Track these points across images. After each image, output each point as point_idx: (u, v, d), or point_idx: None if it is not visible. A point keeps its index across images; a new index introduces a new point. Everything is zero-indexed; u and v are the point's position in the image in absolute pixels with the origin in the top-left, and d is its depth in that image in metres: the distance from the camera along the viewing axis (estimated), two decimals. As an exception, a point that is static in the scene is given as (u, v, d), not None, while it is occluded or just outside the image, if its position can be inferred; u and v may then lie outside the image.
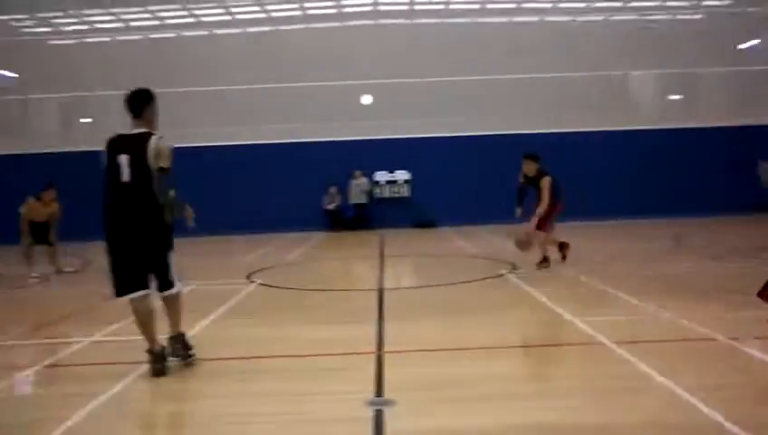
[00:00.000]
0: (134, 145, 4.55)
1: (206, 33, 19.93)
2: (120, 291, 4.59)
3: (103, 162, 4.64)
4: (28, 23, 19.86)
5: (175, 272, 4.71)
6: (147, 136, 4.58)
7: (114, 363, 5.03)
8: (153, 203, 4.52)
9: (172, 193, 4.61)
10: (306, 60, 18.46)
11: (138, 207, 4.53)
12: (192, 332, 5.75)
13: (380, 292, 7.80)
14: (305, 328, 5.98)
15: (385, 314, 6.40)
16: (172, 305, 4.74)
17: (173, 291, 4.70)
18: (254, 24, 19.42)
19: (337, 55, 18.55)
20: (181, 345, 4.75)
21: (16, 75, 21.34)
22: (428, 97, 18.43)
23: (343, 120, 18.57)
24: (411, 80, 18.30)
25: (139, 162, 4.50)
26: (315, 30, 19.53)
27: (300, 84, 18.37)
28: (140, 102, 4.74)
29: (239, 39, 19.41)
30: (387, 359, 4.73)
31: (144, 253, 4.57)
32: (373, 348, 5.08)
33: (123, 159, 4.51)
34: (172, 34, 20.03)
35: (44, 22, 19.86)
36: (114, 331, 6.06)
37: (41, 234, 10.32)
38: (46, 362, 5.09)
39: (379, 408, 3.68)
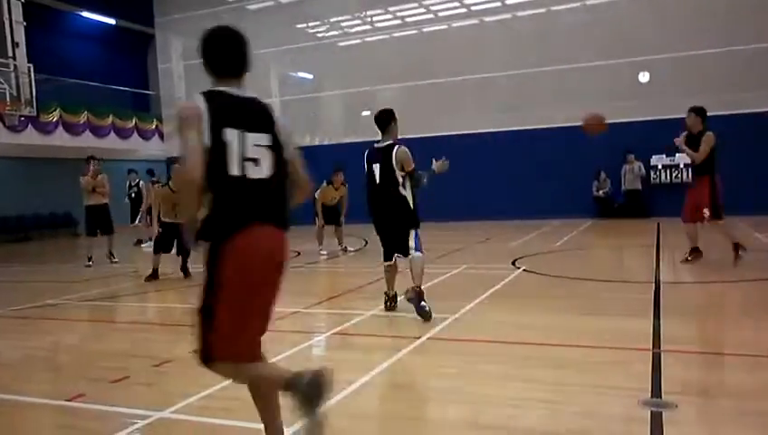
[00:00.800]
0: (383, 156, 6.03)
1: (476, 21, 20.34)
2: (385, 258, 6.31)
3: (364, 166, 6.20)
4: (321, 28, 22.36)
5: (417, 244, 6.03)
6: (391, 148, 6.03)
7: (390, 336, 5.47)
8: (397, 197, 6.00)
9: (425, 180, 6.11)
10: (572, 38, 17.69)
11: (386, 202, 6.04)
12: (457, 314, 5.98)
13: (657, 285, 7.20)
14: (573, 318, 5.80)
15: (662, 310, 5.89)
16: (414, 265, 6.01)
17: (414, 255, 6.02)
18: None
19: (609, 31, 17.41)
20: (416, 295, 5.86)
21: (312, 76, 24.28)
22: (717, 69, 16.29)
23: (616, 101, 17.38)
24: (693, 53, 16.32)
25: (387, 169, 6.00)
26: (586, 6, 18.61)
27: (568, 66, 17.64)
28: (386, 120, 6.15)
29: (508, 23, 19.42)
30: (665, 358, 4.35)
31: (392, 233, 6.12)
32: (649, 345, 4.71)
33: (375, 168, 6.08)
34: (444, 26, 20.80)
35: (335, 26, 22.15)
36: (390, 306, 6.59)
37: (331, 215, 11.60)
38: (335, 330, 5.73)
39: (656, 410, 3.40)
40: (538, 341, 4.99)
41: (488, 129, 18.46)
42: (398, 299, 6.27)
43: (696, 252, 8.72)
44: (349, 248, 11.89)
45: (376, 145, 6.20)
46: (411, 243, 6.03)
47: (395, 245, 6.16)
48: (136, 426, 3.53)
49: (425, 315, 5.77)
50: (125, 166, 18.23)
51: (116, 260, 11.97)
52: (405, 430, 3.42)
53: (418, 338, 5.12)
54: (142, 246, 15.82)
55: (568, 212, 16.67)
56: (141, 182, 16.38)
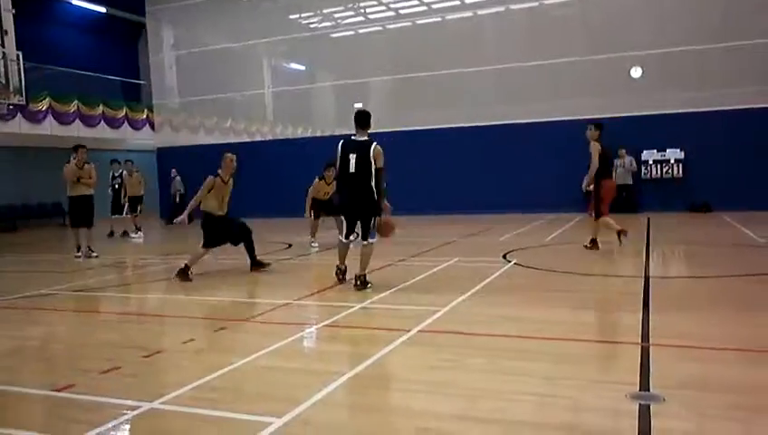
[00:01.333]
0: (361, 149, 6.99)
1: (470, 14, 20.32)
2: (345, 237, 7.34)
3: (336, 155, 7.10)
4: (314, 19, 22.26)
5: (373, 232, 7.11)
6: (369, 143, 7.01)
7: (380, 329, 5.49)
8: (368, 187, 6.97)
9: (385, 185, 7.06)
10: (566, 32, 17.71)
11: (358, 190, 7.00)
12: (447, 307, 6.01)
13: (646, 280, 7.25)
14: (563, 311, 5.83)
15: (651, 304, 5.94)
16: (365, 253, 7.15)
17: (370, 241, 7.15)
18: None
19: (600, 24, 17.44)
20: (360, 281, 7.08)
21: (304, 67, 24.21)
22: (708, 65, 16.36)
23: (608, 95, 17.42)
24: (685, 48, 16.34)
25: (363, 161, 6.95)
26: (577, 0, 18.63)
27: (561, 60, 17.65)
28: (368, 120, 7.19)
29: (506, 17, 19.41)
30: (653, 352, 4.39)
31: (357, 217, 7.17)
32: (637, 338, 4.75)
33: (352, 157, 6.96)
34: (438, 19, 20.75)
35: (327, 17, 22.05)
36: (382, 299, 6.60)
37: (327, 208, 11.48)
38: (326, 322, 5.73)
39: (645, 403, 3.43)
40: (528, 334, 5.02)
41: (479, 122, 18.46)
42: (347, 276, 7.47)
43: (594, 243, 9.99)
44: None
45: (353, 138, 7.13)
46: (371, 230, 7.10)
47: (358, 226, 7.26)
48: (126, 417, 3.52)
49: (367, 288, 7.04)
50: (118, 156, 18.11)
51: (95, 254, 11.57)
52: (395, 422, 3.43)
53: (409, 331, 5.14)
54: (131, 236, 15.76)
55: (559, 207, 16.73)
56: (124, 172, 16.26)
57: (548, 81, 18.03)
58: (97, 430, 3.32)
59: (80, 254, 11.54)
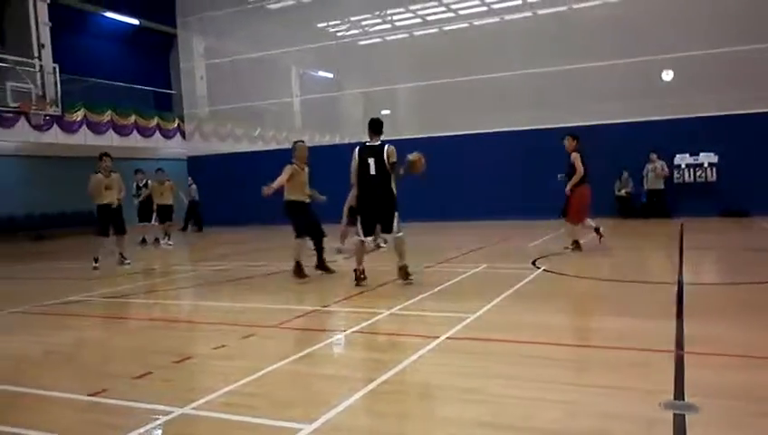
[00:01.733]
0: (377, 152, 7.64)
1: (497, 19, 20.24)
2: (365, 235, 7.90)
3: (355, 159, 7.72)
4: (342, 27, 22.42)
5: (397, 224, 7.71)
6: (383, 146, 7.69)
7: (408, 335, 5.47)
8: (388, 186, 7.63)
9: (401, 170, 7.61)
10: (595, 36, 17.51)
11: (379, 189, 7.64)
12: (476, 314, 5.96)
13: (680, 286, 7.10)
14: (594, 318, 5.75)
15: (685, 311, 5.82)
16: (399, 244, 7.81)
17: (398, 235, 7.78)
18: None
19: (631, 28, 17.20)
20: (405, 271, 7.75)
21: (332, 75, 24.39)
22: (742, 67, 16.00)
23: (640, 99, 17.17)
24: (717, 50, 16.01)
25: (380, 163, 7.59)
26: (607, 4, 18.43)
27: (590, 65, 17.45)
28: (380, 126, 7.84)
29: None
30: (688, 360, 4.30)
31: (379, 217, 7.75)
32: (671, 346, 4.65)
33: (371, 161, 7.61)
34: (465, 24, 20.73)
35: (355, 25, 22.19)
36: (410, 305, 6.59)
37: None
38: (354, 329, 5.74)
39: (679, 412, 3.36)
40: (558, 341, 4.96)
41: (508, 127, 18.35)
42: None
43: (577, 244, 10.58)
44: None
45: (368, 143, 7.79)
46: (395, 225, 7.69)
47: (381, 224, 7.82)
48: (158, 422, 3.57)
49: (410, 278, 7.72)
50: (149, 165, 18.40)
51: (128, 262, 11.69)
52: (425, 429, 3.41)
53: (438, 337, 5.11)
54: (162, 243, 15.98)
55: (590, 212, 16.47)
56: (149, 182, 16.36)
57: (576, 85, 17.84)
58: (129, 435, 3.37)
59: (97, 265, 11.38)
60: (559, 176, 11.51)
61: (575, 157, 10.21)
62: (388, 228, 7.78)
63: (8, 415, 3.80)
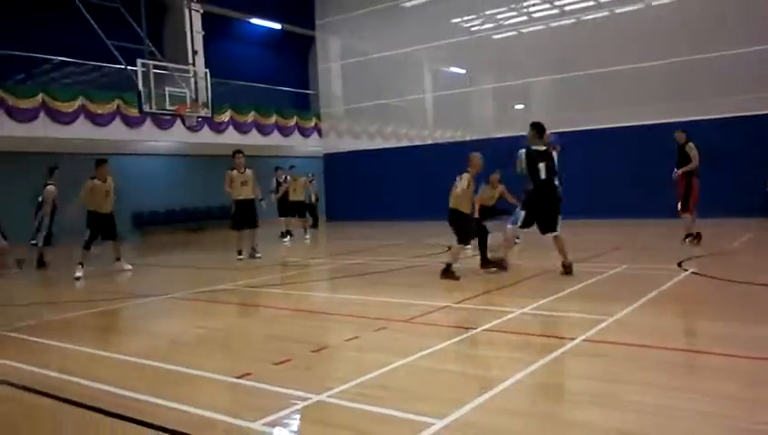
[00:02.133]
0: (546, 157, 8.32)
1: (641, 6, 19.08)
2: (523, 226, 8.47)
3: (518, 161, 8.30)
4: (476, 22, 22.18)
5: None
6: (550, 152, 8.47)
7: (543, 336, 5.33)
8: (556, 189, 8.38)
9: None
10: (742, 21, 15.95)
11: (551, 192, 8.33)
12: (615, 317, 5.68)
13: None
14: (744, 326, 5.27)
15: None
16: (560, 243, 8.34)
17: (558, 233, 8.35)
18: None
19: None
20: (569, 268, 8.23)
21: (464, 71, 24.26)
22: None
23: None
24: None
25: (550, 168, 8.29)
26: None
27: (729, 52, 15.89)
28: (543, 130, 8.41)
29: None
30: None
31: (548, 214, 8.32)
32: (842, 362, 4.17)
33: (542, 166, 8.22)
34: (606, 13, 19.74)
35: (489, 18, 21.88)
36: (543, 305, 6.42)
37: (489, 214, 11.18)
38: (485, 326, 5.68)
39: None
40: (699, 349, 4.62)
41: (645, 121, 17.21)
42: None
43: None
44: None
45: (537, 148, 8.31)
46: (558, 226, 8.30)
47: (545, 222, 8.35)
48: (296, 407, 3.75)
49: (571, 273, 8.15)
50: (286, 162, 19.30)
51: (258, 255, 12.13)
52: (549, 430, 3.32)
53: (573, 339, 4.94)
54: (306, 237, 16.72)
55: (742, 211, 15.13)
56: (288, 178, 16.91)
57: (726, 73, 16.35)
58: (271, 417, 3.57)
59: (242, 256, 12.00)
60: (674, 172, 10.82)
61: (690, 147, 10.66)
62: (552, 226, 8.30)
63: (165, 390, 4.16)
